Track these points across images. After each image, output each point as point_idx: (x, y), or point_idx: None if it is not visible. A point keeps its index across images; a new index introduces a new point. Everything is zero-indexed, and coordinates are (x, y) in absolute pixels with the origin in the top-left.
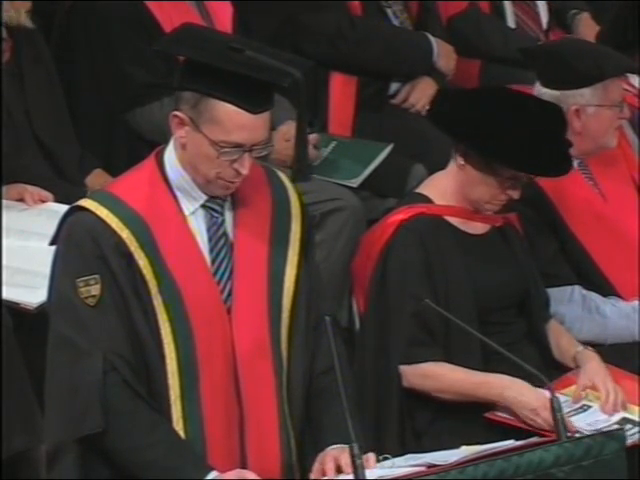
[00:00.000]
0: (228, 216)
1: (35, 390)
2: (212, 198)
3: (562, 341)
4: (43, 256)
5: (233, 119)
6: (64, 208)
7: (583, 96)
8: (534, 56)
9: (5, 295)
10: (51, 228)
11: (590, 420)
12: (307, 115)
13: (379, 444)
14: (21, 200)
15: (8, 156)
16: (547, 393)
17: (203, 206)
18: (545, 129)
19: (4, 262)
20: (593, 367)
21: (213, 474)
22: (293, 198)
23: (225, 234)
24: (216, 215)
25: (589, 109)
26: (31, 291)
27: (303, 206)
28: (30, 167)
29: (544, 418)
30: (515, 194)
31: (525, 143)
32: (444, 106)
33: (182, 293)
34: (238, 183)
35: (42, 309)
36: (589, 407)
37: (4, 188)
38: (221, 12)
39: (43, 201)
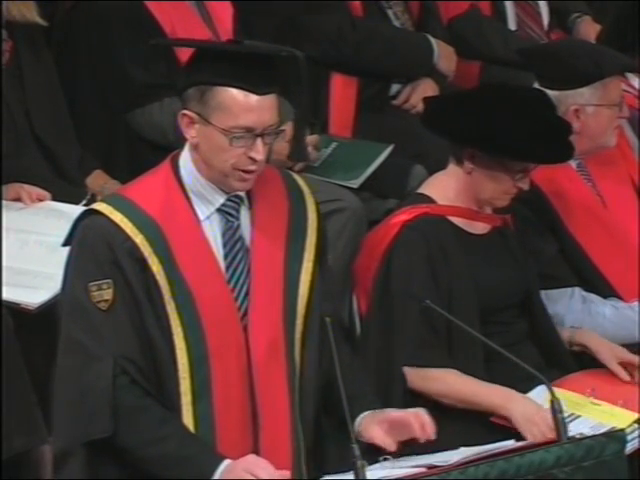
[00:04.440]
0: (245, 218)
1: (35, 391)
2: (229, 200)
3: None
4: (43, 256)
5: (239, 103)
6: (61, 206)
7: (582, 96)
8: (532, 57)
9: (5, 295)
10: (50, 226)
11: (575, 431)
12: (308, 98)
13: None
14: (18, 200)
15: (8, 157)
16: (547, 394)
17: (219, 210)
18: (540, 113)
19: (4, 262)
20: (604, 343)
21: (225, 463)
22: (309, 202)
23: (241, 238)
24: (232, 220)
25: (588, 109)
26: (31, 291)
27: (319, 211)
28: (30, 168)
29: (543, 432)
30: (525, 185)
31: (530, 132)
32: (442, 115)
33: (195, 298)
34: (256, 174)
35: (43, 309)
36: (578, 416)
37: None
38: (221, 13)
39: (40, 200)
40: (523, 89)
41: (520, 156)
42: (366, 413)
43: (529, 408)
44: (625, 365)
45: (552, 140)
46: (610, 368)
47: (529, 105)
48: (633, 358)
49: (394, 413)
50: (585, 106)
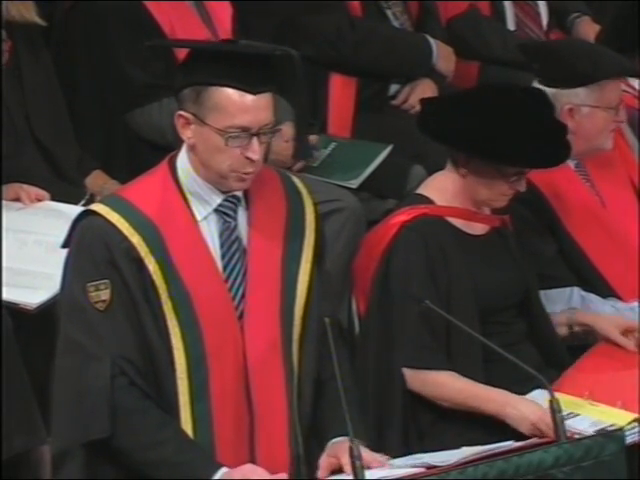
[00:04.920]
0: (242, 218)
1: (35, 391)
2: (226, 201)
3: None
4: (42, 256)
5: (235, 102)
6: (60, 206)
7: (578, 96)
8: (533, 53)
9: (5, 296)
10: (49, 226)
11: (574, 428)
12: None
13: (382, 445)
14: (17, 200)
15: (8, 157)
16: (546, 394)
17: (216, 210)
18: (538, 116)
19: (4, 263)
20: (602, 316)
21: (222, 471)
22: (307, 203)
23: (238, 239)
24: (229, 220)
25: (583, 109)
26: (31, 291)
27: (317, 211)
28: (29, 168)
29: (543, 431)
30: (522, 186)
31: (525, 136)
32: (436, 119)
33: (192, 298)
34: (254, 174)
35: (42, 309)
36: (577, 415)
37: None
38: (220, 13)
39: (39, 200)
40: (519, 89)
41: (515, 162)
42: (340, 439)
43: (525, 411)
44: (626, 333)
45: (548, 143)
46: (613, 339)
47: (525, 107)
48: (633, 324)
49: (344, 459)
50: (580, 106)
